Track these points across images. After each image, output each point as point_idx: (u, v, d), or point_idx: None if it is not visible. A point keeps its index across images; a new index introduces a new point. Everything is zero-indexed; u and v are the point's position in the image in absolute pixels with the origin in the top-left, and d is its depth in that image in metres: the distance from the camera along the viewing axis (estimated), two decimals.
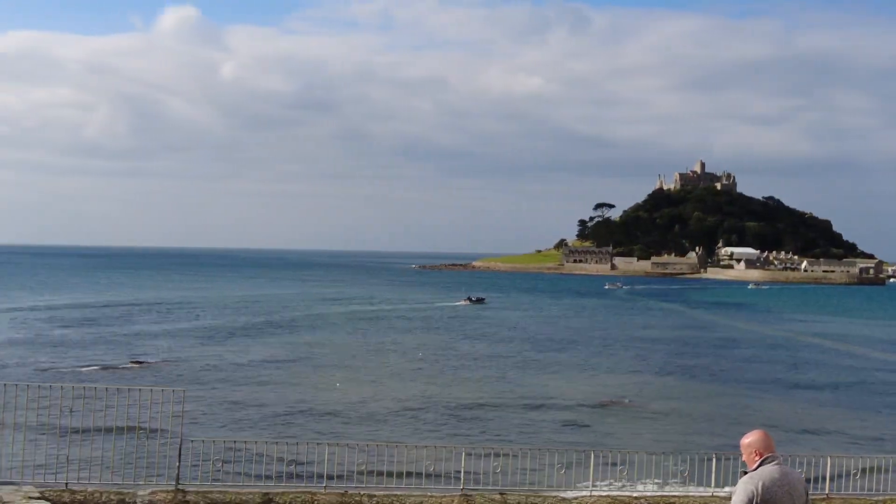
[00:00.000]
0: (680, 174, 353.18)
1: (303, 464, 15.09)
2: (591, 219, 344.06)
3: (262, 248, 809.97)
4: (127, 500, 12.46)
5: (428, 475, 14.96)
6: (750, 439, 7.34)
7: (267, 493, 13.16)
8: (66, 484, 12.71)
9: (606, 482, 16.99)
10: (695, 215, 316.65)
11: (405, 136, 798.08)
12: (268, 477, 14.29)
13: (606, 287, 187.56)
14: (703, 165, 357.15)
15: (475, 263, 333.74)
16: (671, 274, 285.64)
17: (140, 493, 12.64)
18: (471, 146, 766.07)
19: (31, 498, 11.38)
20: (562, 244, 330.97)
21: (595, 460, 15.47)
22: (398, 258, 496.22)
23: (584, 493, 14.89)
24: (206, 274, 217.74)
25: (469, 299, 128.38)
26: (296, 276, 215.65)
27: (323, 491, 13.47)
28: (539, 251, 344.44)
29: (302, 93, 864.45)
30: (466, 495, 14.10)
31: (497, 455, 15.98)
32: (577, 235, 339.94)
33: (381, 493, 13.83)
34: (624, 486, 16.66)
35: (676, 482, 16.01)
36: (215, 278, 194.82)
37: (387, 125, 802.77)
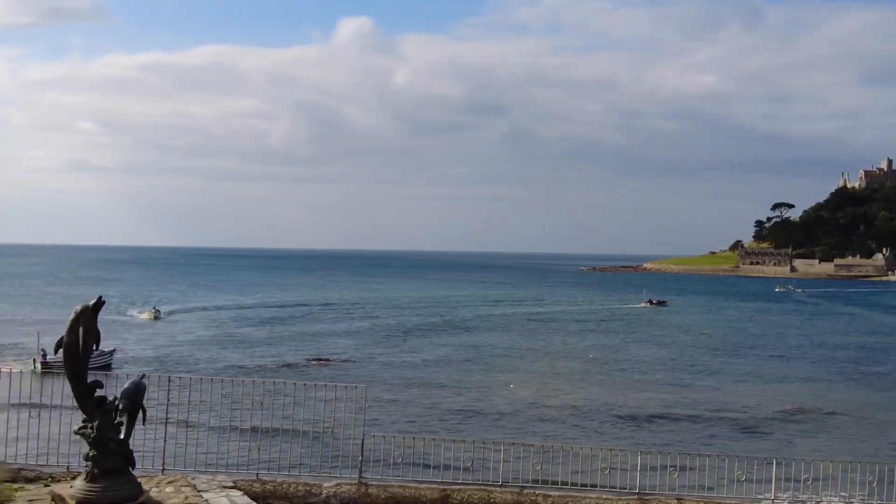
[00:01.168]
0: (865, 172, 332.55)
1: (478, 462, 15.30)
2: (769, 219, 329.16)
3: (431, 250, 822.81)
4: (313, 491, 13.00)
5: (603, 478, 14.82)
6: None
7: (444, 490, 13.42)
8: (257, 474, 13.40)
9: (788, 493, 16.25)
10: (881, 215, 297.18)
11: (573, 137, 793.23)
12: (445, 473, 14.53)
13: (778, 290, 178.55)
14: (890, 162, 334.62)
15: (646, 265, 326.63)
16: (855, 277, 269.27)
17: (325, 485, 13.16)
18: (641, 146, 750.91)
19: (224, 487, 11.98)
20: (737, 245, 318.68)
21: (777, 470, 14.84)
22: (566, 260, 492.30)
23: None
24: (380, 275, 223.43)
25: (650, 301, 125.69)
26: (465, 278, 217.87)
27: (499, 489, 13.60)
28: (713, 253, 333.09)
29: (471, 97, 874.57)
30: (643, 499, 13.91)
31: (673, 460, 15.64)
32: (754, 236, 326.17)
33: (557, 493, 13.82)
34: (810, 499, 15.81)
35: (864, 496, 15.07)
36: (388, 280, 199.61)
37: (555, 127, 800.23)
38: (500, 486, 13.73)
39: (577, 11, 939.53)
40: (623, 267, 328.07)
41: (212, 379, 16.14)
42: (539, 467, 14.80)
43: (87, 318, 10.08)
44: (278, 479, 13.23)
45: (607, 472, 14.75)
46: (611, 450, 16.13)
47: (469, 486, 13.73)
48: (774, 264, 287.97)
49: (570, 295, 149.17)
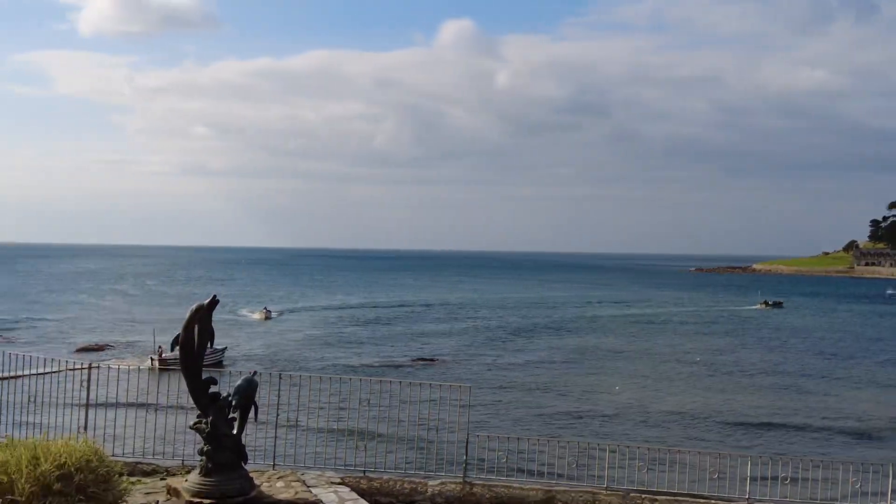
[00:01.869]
0: None
1: (584, 463, 15.17)
2: (885, 218, 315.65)
3: (532, 251, 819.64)
4: (418, 489, 13.11)
5: (711, 485, 14.46)
6: None
7: (549, 491, 13.35)
8: (364, 472, 13.58)
9: None
10: None
11: (678, 136, 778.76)
12: (549, 475, 14.45)
13: (889, 293, 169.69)
14: None
15: (755, 266, 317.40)
16: None
17: (431, 483, 13.25)
18: (748, 145, 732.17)
19: (332, 483, 12.18)
20: (852, 246, 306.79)
21: (893, 482, 14.19)
22: (672, 261, 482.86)
23: None
24: (482, 276, 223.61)
25: (765, 303, 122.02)
26: (566, 279, 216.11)
27: (604, 492, 13.45)
28: (826, 253, 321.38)
29: (574, 97, 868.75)
30: None
31: (784, 468, 15.13)
32: (869, 236, 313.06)
33: (664, 497, 13.58)
34: None
35: None
36: (490, 280, 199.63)
37: (659, 126, 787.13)
38: (606, 489, 13.56)
39: (680, 8, 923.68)
40: (731, 268, 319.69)
41: (320, 377, 16.45)
42: (645, 471, 14.55)
43: (203, 317, 10.38)
44: (384, 477, 13.37)
45: (716, 478, 14.40)
46: (719, 454, 15.72)
47: (574, 489, 13.62)
48: (891, 265, 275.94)
49: (676, 296, 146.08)
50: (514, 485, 13.57)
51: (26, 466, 7.45)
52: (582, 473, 14.83)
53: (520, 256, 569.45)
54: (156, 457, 13.67)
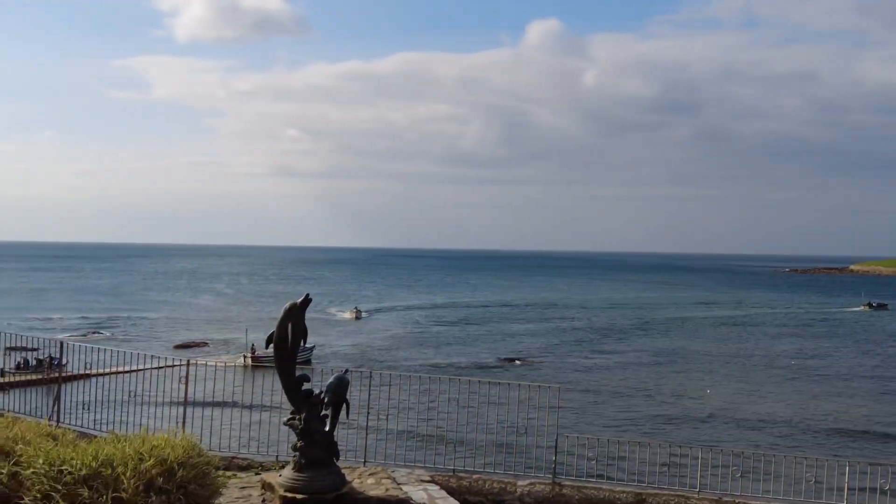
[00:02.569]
0: None
1: (675, 467, 14.90)
2: None
3: (618, 251, 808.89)
4: (507, 489, 13.07)
5: (807, 489, 14.04)
6: None
7: (640, 494, 13.16)
8: (453, 470, 13.61)
9: None
10: None
11: (771, 134, 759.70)
12: (640, 477, 14.24)
13: None
14: None
15: (853, 267, 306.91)
16: None
17: (520, 483, 13.21)
18: (845, 142, 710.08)
19: (422, 481, 12.24)
20: None
21: None
22: (764, 261, 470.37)
23: None
24: (568, 276, 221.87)
25: (869, 304, 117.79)
26: (654, 280, 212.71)
27: (696, 496, 13.20)
28: None
29: (662, 96, 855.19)
30: None
31: (884, 475, 14.58)
32: None
33: (758, 503, 13.29)
34: None
35: None
36: (576, 281, 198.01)
37: (751, 124, 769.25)
38: (699, 492, 13.32)
39: (773, 4, 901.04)
40: (827, 269, 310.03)
41: (409, 376, 16.57)
42: (738, 476, 14.22)
43: (296, 315, 10.57)
44: (473, 476, 13.37)
45: (812, 485, 13.97)
46: (816, 460, 15.25)
47: (665, 491, 13.40)
48: None
49: (769, 298, 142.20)
50: (605, 486, 13.43)
51: (131, 461, 7.67)
52: (673, 477, 14.55)
53: (606, 257, 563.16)
54: (251, 452, 13.96)
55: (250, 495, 11.12)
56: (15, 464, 7.77)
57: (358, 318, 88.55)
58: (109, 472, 7.54)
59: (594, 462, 14.28)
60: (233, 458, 13.21)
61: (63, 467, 7.48)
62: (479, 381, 15.40)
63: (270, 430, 14.23)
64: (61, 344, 16.40)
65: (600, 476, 14.31)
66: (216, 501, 8.84)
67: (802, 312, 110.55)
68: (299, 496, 10.11)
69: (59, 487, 7.33)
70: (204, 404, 15.95)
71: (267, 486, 10.83)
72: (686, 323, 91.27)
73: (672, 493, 13.38)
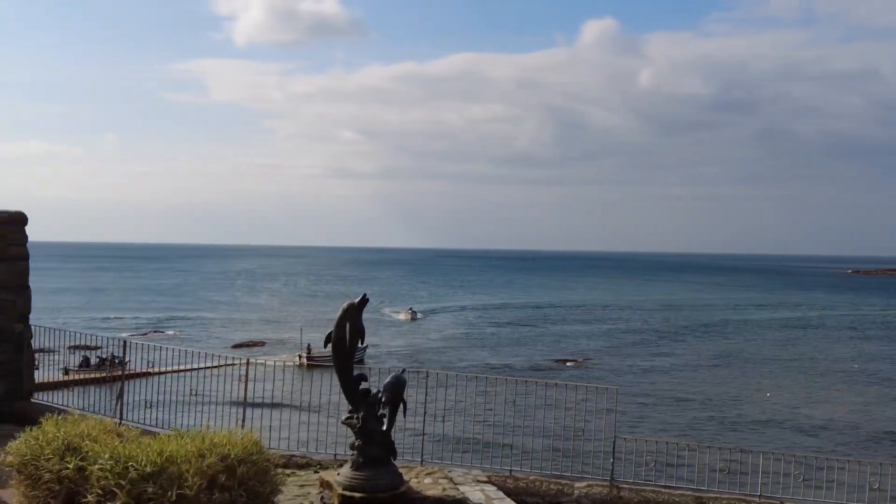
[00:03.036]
0: None
1: (735, 473, 14.67)
2: None
3: (673, 251, 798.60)
4: (565, 490, 13.00)
5: (871, 495, 13.71)
6: None
7: (699, 497, 13.00)
8: (510, 471, 13.58)
9: None
10: None
11: (832, 133, 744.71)
12: (699, 482, 14.03)
13: None
14: None
15: None
16: None
17: (577, 485, 13.12)
18: None
19: (479, 481, 12.23)
20: None
21: None
22: (824, 262, 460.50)
23: None
24: (623, 277, 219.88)
25: None
26: (711, 281, 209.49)
27: (758, 499, 13.01)
28: None
29: (720, 94, 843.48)
30: None
31: None
32: None
33: None
34: None
35: None
36: (633, 281, 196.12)
37: (811, 123, 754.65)
38: (759, 497, 13.11)
39: (832, 1, 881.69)
40: (891, 270, 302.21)
41: (466, 376, 16.57)
42: (800, 480, 13.95)
43: (353, 315, 10.64)
44: (530, 477, 13.32)
45: (876, 491, 13.65)
46: (880, 463, 14.87)
47: (725, 496, 13.21)
48: None
49: (830, 300, 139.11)
50: (663, 489, 13.28)
51: (193, 458, 7.79)
52: (733, 483, 14.32)
53: (661, 257, 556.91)
54: (309, 450, 14.08)
55: (309, 493, 11.24)
56: (82, 459, 7.93)
57: (413, 318, 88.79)
58: (174, 468, 7.66)
59: (652, 465, 14.14)
60: (291, 456, 13.34)
61: (129, 463, 7.62)
62: (536, 382, 15.33)
63: (328, 429, 14.34)
64: (124, 342, 16.73)
65: (658, 479, 14.15)
66: (276, 499, 8.93)
67: (865, 315, 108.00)
68: (357, 495, 10.17)
69: (124, 483, 7.47)
70: (262, 404, 16.14)
71: (325, 485, 10.91)
72: (745, 325, 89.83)
73: (732, 496, 13.20)
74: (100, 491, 7.54)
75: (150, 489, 7.45)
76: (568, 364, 55.58)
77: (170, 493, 7.44)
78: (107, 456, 7.75)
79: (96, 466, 7.69)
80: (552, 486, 13.03)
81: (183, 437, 8.41)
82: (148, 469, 7.58)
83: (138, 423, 13.94)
